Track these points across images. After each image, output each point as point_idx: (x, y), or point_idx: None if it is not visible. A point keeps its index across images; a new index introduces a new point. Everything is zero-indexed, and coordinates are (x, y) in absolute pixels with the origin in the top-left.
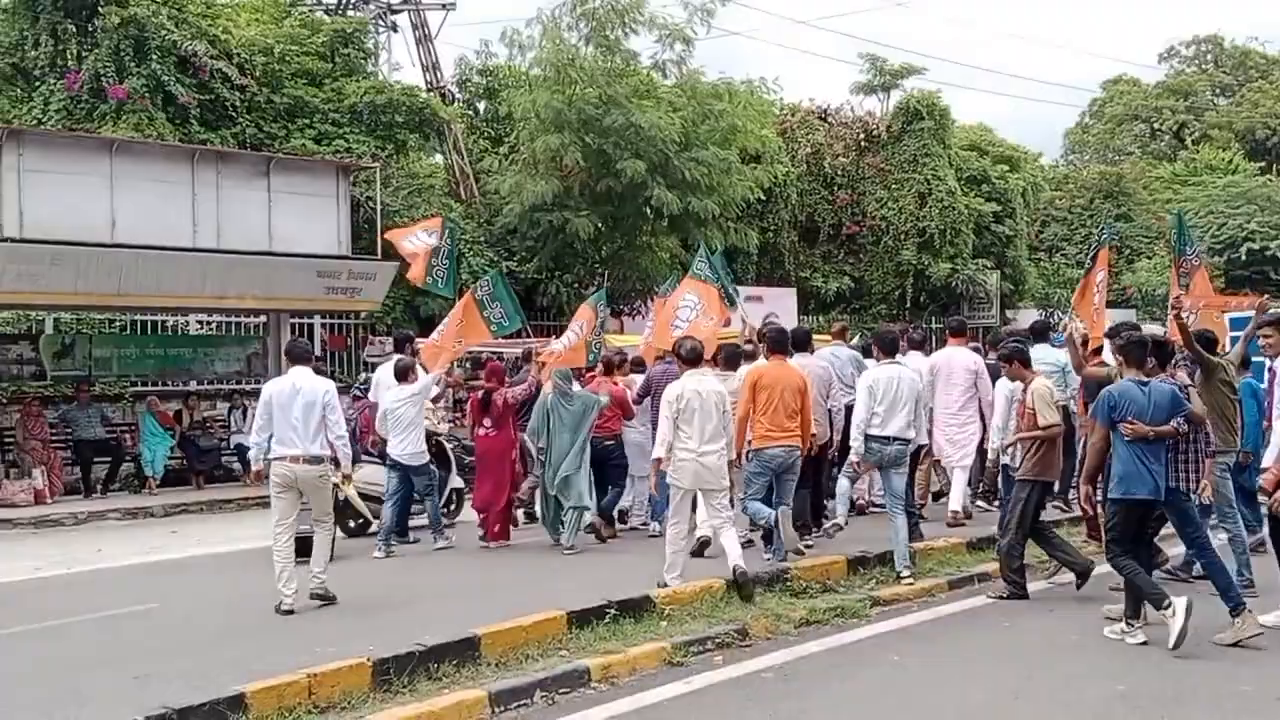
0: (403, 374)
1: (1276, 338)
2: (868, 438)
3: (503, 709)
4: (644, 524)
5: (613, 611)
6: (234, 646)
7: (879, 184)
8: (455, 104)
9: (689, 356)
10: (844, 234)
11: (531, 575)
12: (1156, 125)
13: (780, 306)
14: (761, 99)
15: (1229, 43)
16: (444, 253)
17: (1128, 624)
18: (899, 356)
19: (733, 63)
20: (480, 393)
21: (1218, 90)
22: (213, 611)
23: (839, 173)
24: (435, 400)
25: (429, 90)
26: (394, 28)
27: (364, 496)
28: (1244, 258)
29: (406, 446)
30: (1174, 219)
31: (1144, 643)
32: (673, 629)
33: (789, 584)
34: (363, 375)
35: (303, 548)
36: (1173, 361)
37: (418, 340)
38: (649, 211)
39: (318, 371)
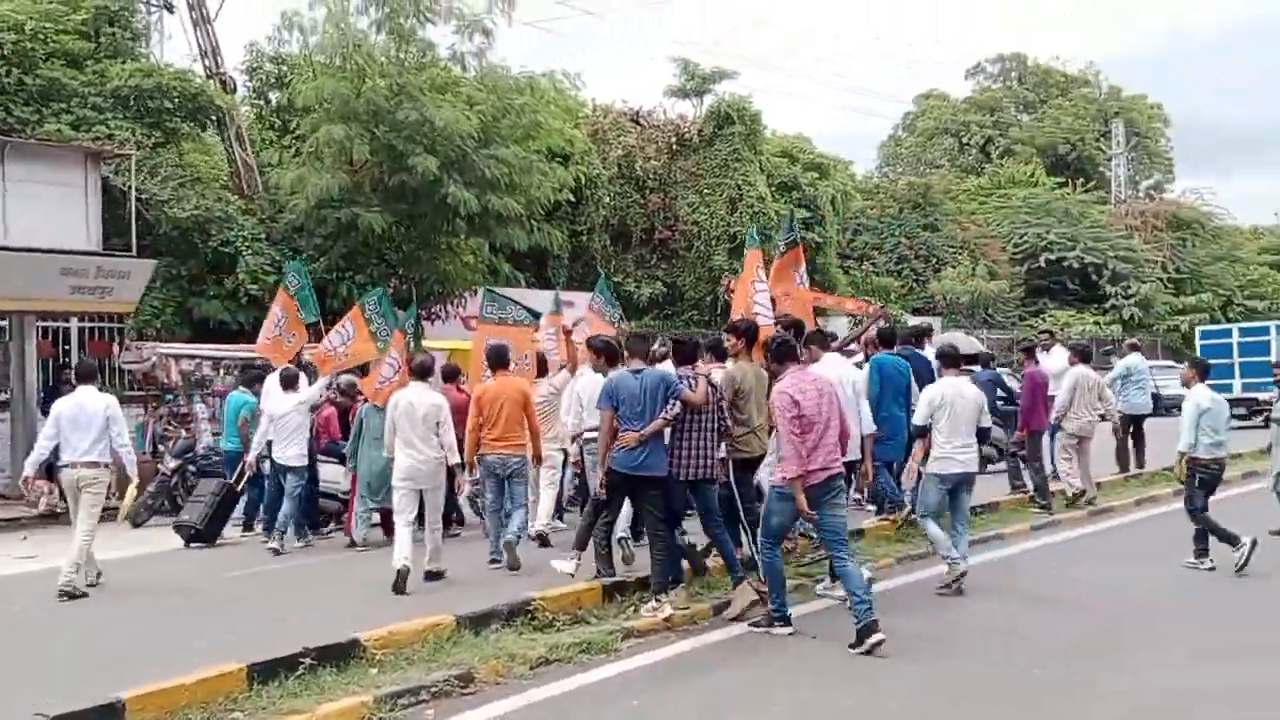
0: (287, 382)
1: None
2: None
3: None
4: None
5: (309, 661)
6: None
7: (691, 188)
8: (238, 92)
9: (416, 369)
10: (656, 238)
11: (263, 604)
12: (964, 139)
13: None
14: (565, 95)
15: (1031, 61)
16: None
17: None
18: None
19: (552, 63)
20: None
21: (1022, 106)
22: None
23: (651, 176)
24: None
25: (208, 76)
26: (169, 8)
27: (325, 495)
28: (1043, 266)
29: (290, 450)
30: (785, 219)
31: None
32: (383, 678)
33: (533, 616)
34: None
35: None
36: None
37: (306, 349)
38: (447, 210)
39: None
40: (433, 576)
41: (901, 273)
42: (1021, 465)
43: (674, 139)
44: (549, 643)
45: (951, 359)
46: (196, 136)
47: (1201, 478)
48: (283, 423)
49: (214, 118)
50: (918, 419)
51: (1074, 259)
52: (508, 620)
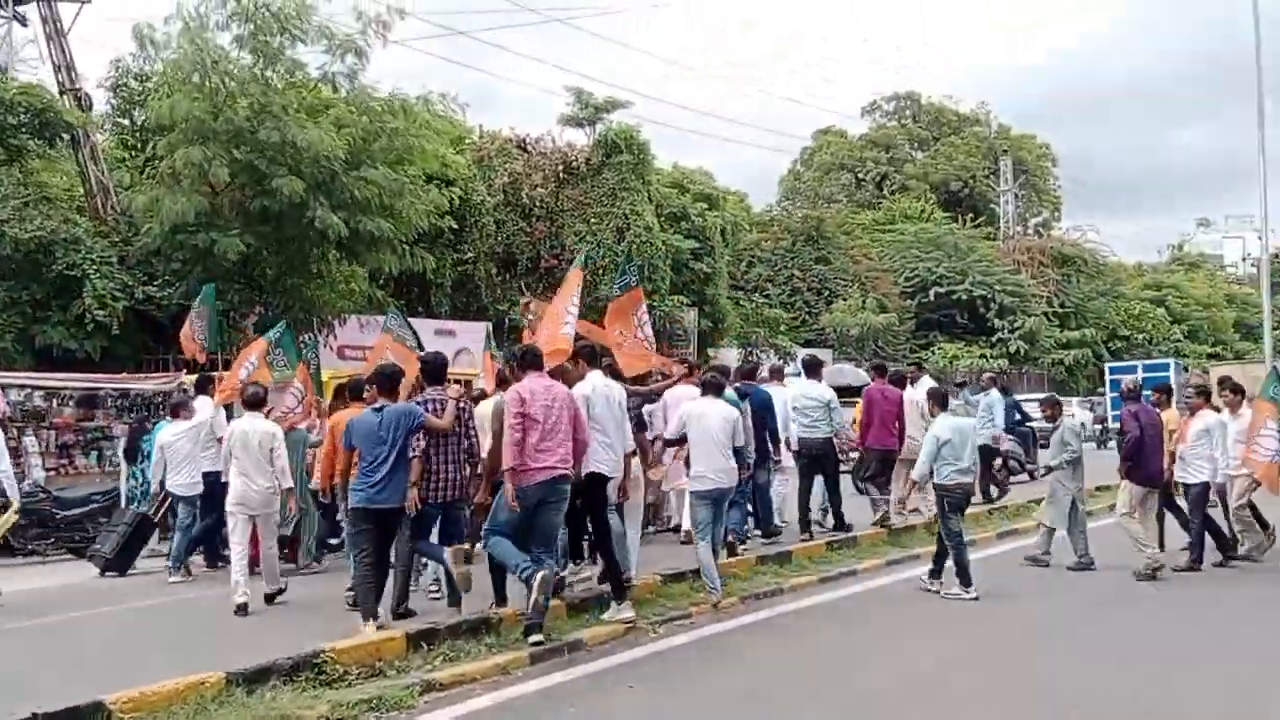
0: (175, 410)
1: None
2: None
3: None
4: None
5: None
6: None
7: (578, 217)
8: (95, 109)
9: (248, 400)
10: (542, 266)
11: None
12: (860, 175)
13: (473, 340)
14: (443, 119)
15: (925, 99)
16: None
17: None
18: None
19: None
20: None
21: (915, 144)
22: None
23: (537, 204)
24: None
25: (61, 92)
26: (22, 20)
27: None
28: (933, 299)
29: (181, 479)
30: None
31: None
32: None
33: (321, 670)
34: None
35: None
36: None
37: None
38: (314, 234)
39: None
40: (272, 598)
41: (794, 305)
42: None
43: (561, 167)
44: (334, 700)
45: (715, 386)
46: (45, 154)
47: (949, 502)
48: (172, 450)
49: (66, 135)
50: (669, 433)
51: (963, 292)
52: (290, 675)
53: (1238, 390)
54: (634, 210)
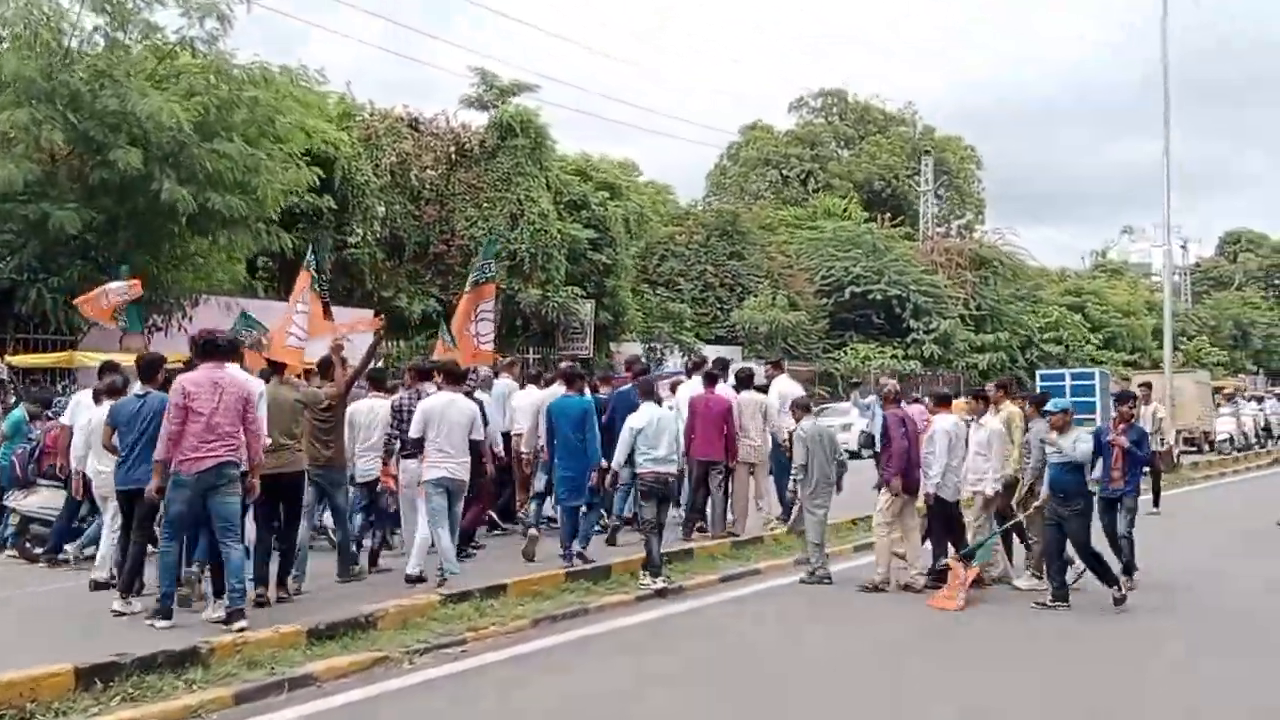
0: (99, 396)
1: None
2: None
3: None
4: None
5: None
6: None
7: (470, 201)
8: None
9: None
10: (432, 252)
11: None
12: (785, 171)
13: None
14: (308, 90)
15: (852, 97)
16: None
17: None
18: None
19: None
20: None
21: (842, 141)
22: None
23: (427, 186)
24: None
25: None
26: None
27: (35, 520)
28: (848, 298)
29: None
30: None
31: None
32: None
33: None
34: (60, 398)
35: None
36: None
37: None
38: (163, 210)
39: None
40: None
41: (706, 300)
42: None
43: (454, 148)
44: None
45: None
46: None
47: (642, 490)
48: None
49: None
50: (412, 431)
51: (878, 292)
52: None
53: (980, 397)
54: (529, 196)
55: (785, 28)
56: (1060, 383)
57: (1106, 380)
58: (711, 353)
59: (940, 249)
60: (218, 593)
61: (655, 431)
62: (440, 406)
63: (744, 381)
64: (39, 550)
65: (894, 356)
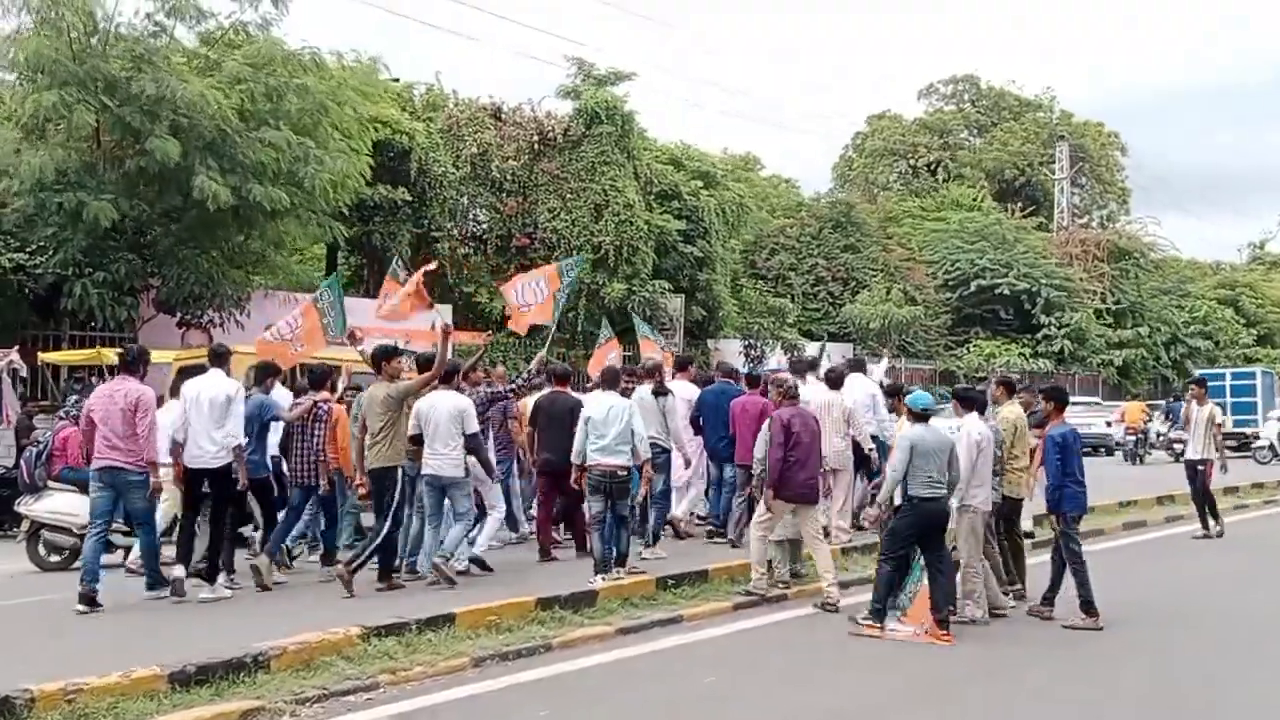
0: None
1: None
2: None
3: None
4: None
5: None
6: None
7: (553, 192)
8: None
9: None
10: (514, 246)
11: None
12: (912, 161)
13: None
14: (370, 77)
15: (984, 84)
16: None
17: None
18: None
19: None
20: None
21: (974, 129)
22: None
23: (509, 177)
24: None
25: None
26: None
27: (48, 526)
28: (974, 293)
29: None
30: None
31: None
32: None
33: None
34: (74, 397)
35: None
36: None
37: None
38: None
39: None
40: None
41: (817, 295)
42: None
43: (537, 138)
44: None
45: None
46: None
47: (589, 484)
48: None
49: None
50: (410, 429)
51: (1006, 285)
52: None
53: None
54: (614, 186)
55: (918, 19)
56: (1220, 381)
57: (1271, 380)
58: (811, 350)
59: (1076, 240)
60: (211, 574)
61: (603, 420)
62: (429, 404)
63: (833, 383)
64: (55, 558)
65: (1021, 354)
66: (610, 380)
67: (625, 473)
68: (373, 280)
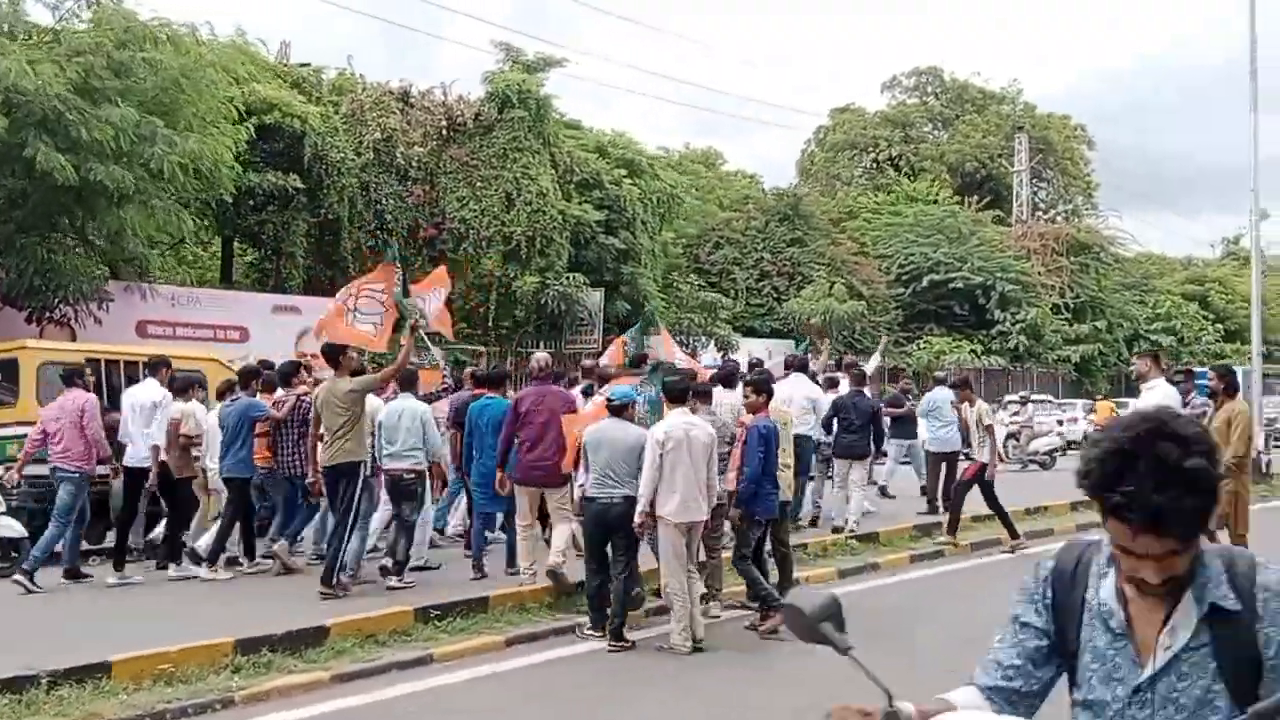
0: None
1: None
2: None
3: None
4: None
5: None
6: None
7: (462, 180)
8: None
9: None
10: (420, 237)
11: None
12: (874, 155)
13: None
14: (239, 55)
15: (948, 76)
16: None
17: None
18: None
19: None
20: None
21: (937, 122)
22: None
23: (414, 164)
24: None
25: None
26: None
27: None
28: (926, 287)
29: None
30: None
31: None
32: None
33: None
34: None
35: None
36: None
37: None
38: (39, 183)
39: None
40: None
41: (761, 290)
42: None
43: (445, 123)
44: None
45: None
46: None
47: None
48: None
49: None
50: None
51: (960, 280)
52: None
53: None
54: (527, 174)
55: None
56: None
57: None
58: (757, 347)
59: (1034, 234)
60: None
61: (392, 426)
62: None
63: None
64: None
65: (972, 351)
66: (407, 382)
67: (412, 475)
68: (276, 274)
